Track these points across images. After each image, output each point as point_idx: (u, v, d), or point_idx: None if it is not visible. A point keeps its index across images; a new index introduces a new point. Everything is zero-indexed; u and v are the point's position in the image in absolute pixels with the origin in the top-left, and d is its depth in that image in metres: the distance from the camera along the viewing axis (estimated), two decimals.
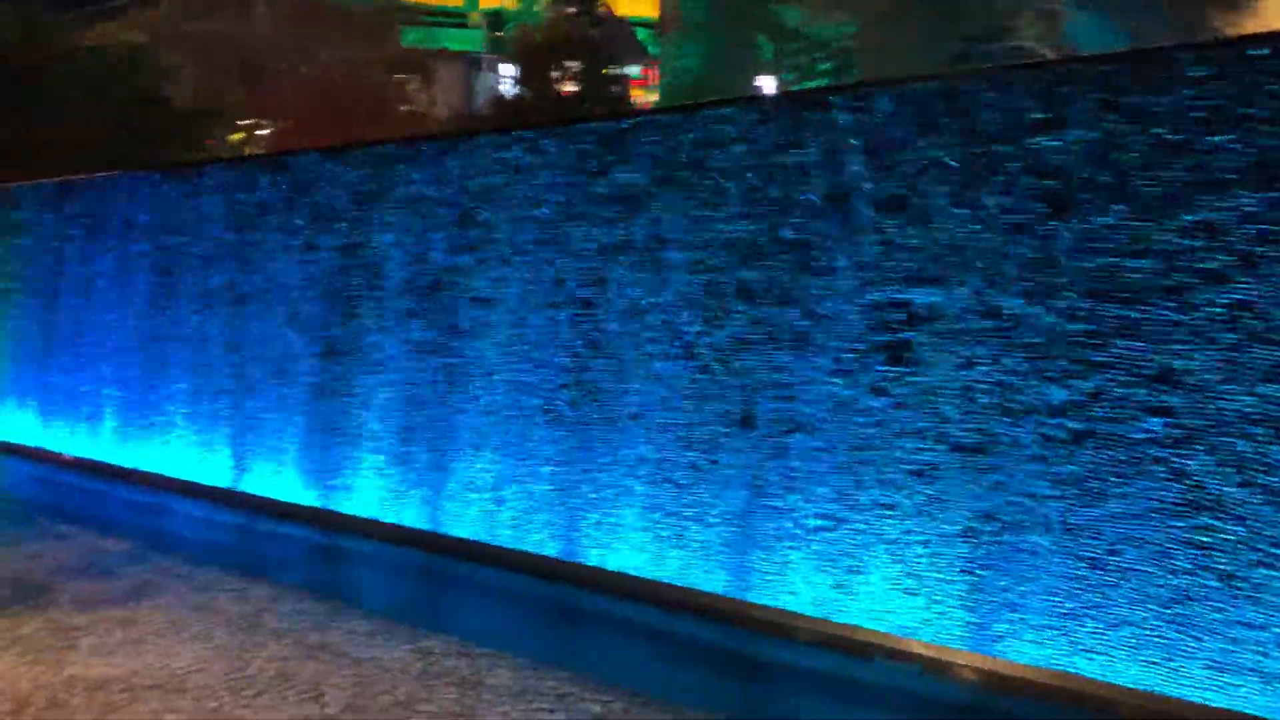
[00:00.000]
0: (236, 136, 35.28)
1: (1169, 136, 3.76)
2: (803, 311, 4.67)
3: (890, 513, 4.38)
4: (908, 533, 4.33)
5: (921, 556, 4.29)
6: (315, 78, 36.04)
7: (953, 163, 4.25)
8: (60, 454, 9.03)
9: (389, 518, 6.41)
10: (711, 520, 4.94)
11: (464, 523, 6.02)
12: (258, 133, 36.92)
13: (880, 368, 4.43)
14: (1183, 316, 3.73)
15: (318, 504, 6.87)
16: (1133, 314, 3.82)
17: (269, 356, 7.27)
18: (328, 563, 6.08)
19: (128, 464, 8.37)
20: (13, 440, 9.64)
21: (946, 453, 4.23)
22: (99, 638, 4.67)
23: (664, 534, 5.12)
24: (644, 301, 5.25)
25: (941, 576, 4.24)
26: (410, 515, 6.30)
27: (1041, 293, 4.02)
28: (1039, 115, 4.05)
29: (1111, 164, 3.88)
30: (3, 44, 23.85)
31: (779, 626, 4.67)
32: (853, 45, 19.01)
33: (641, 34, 44.08)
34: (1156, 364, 3.77)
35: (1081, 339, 3.93)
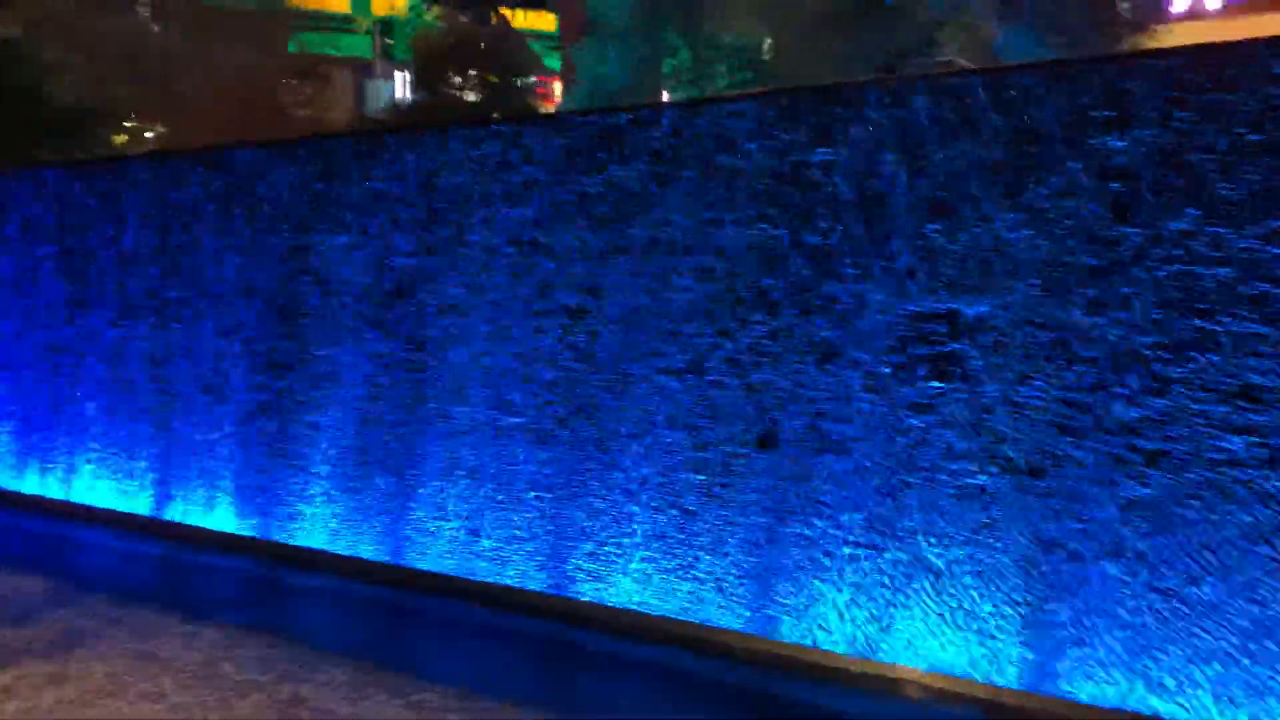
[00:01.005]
0: (120, 139, 33.60)
1: (1251, 136, 3.51)
2: (831, 320, 4.30)
3: (936, 540, 4.04)
4: (955, 562, 3.99)
5: (972, 588, 3.95)
6: (205, 80, 34.61)
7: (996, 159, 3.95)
8: None
9: (342, 549, 5.82)
10: (728, 549, 4.53)
11: (432, 555, 5.47)
12: (146, 135, 35.26)
13: (924, 383, 4.09)
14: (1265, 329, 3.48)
15: (257, 534, 6.23)
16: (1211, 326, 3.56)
17: (200, 371, 6.58)
18: (278, 600, 5.45)
19: (29, 491, 7.53)
20: None
21: (1000, 475, 3.91)
22: (25, 700, 4.00)
23: (669, 565, 4.69)
24: (645, 309, 4.82)
25: (995, 609, 3.91)
26: (368, 546, 5.72)
27: (1107, 302, 3.74)
28: (1102, 113, 3.77)
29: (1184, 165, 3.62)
30: None
31: (810, 666, 4.28)
32: (771, 57, 18.91)
33: (533, 45, 43.97)
34: (1238, 379, 3.51)
35: (1152, 351, 3.66)
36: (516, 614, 5.03)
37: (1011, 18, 15.09)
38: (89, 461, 7.20)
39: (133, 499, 6.89)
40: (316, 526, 5.93)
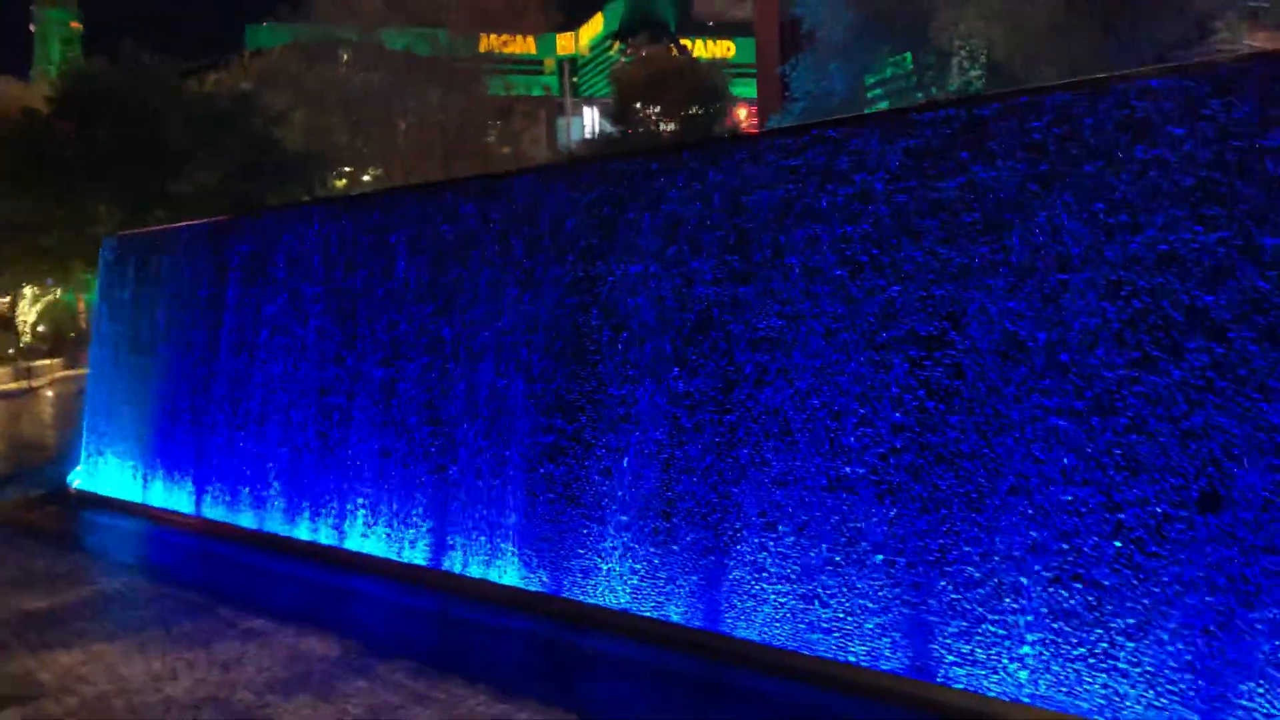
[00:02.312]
0: (341, 183, 35.19)
1: None
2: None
3: None
4: None
5: None
6: (417, 122, 35.94)
7: None
8: (215, 521, 8.08)
9: (647, 610, 5.22)
10: (1162, 635, 3.63)
11: (757, 623, 4.79)
12: (364, 178, 36.84)
13: None
14: None
15: (545, 589, 5.72)
16: None
17: (478, 413, 6.18)
18: (586, 672, 4.91)
19: (302, 537, 7.35)
20: (159, 505, 8.75)
21: None
22: None
23: (1075, 651, 3.83)
24: (1026, 337, 4.00)
25: None
26: (677, 609, 5.09)
27: None
28: None
29: None
30: (118, 91, 23.97)
31: None
32: (1009, 53, 17.59)
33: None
34: None
35: None
36: (866, 698, 4.27)
37: None
38: (360, 508, 6.92)
39: (408, 548, 6.55)
40: (615, 584, 5.36)
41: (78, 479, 10.44)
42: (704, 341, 5.07)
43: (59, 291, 32.35)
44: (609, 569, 5.39)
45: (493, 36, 43.80)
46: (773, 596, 4.73)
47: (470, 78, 37.31)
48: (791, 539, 4.68)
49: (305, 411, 7.43)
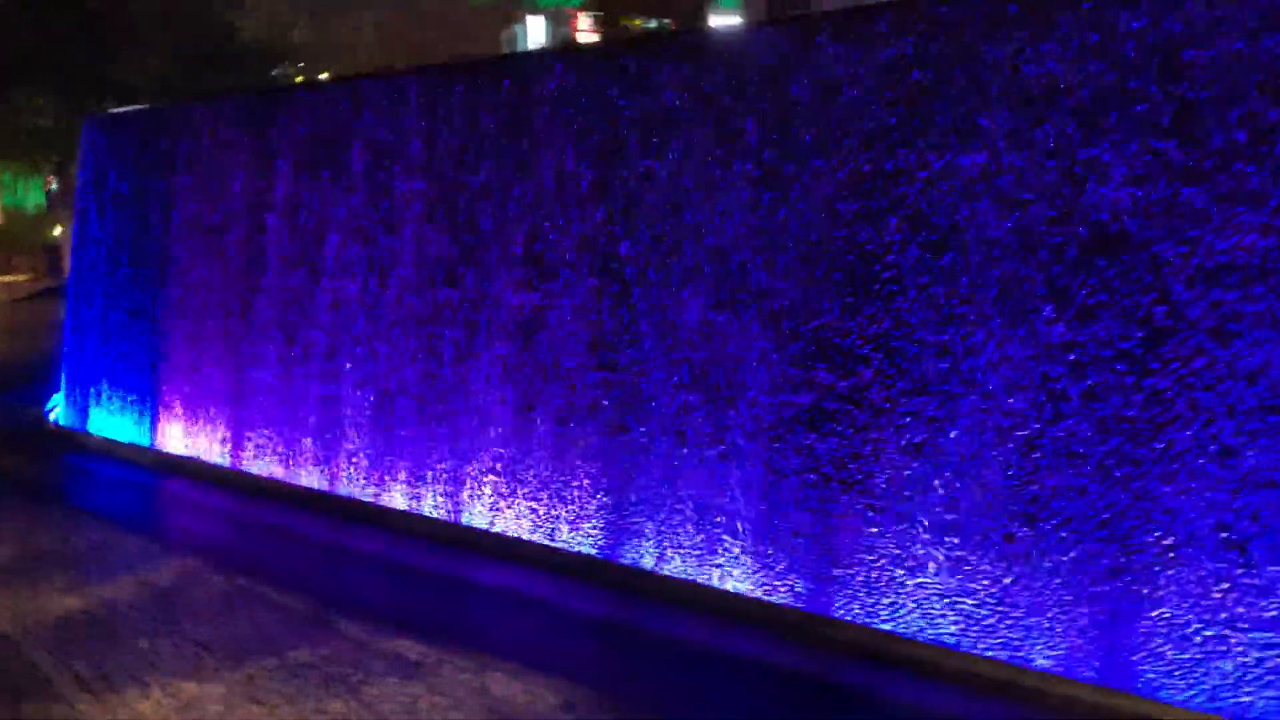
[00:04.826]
0: (298, 79, 32.51)
1: None
2: None
3: None
4: None
5: None
6: (372, 22, 33.40)
7: None
8: (259, 477, 6.36)
9: (998, 653, 3.69)
10: None
11: (1200, 683, 3.28)
12: (321, 77, 34.07)
13: None
14: None
15: (799, 604, 4.16)
16: None
17: (678, 357, 4.53)
18: None
19: (391, 504, 5.68)
20: (177, 452, 6.98)
21: None
22: None
23: None
24: None
25: None
26: (1044, 655, 3.57)
27: None
28: None
29: None
30: None
31: None
32: None
33: None
34: None
35: None
36: None
37: None
38: (488, 473, 5.27)
39: (565, 530, 4.93)
40: (930, 607, 3.81)
41: (56, 413, 8.57)
42: (1107, 269, 3.47)
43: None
44: (918, 586, 3.84)
45: None
46: (1236, 648, 3.23)
47: None
48: (1276, 568, 3.16)
49: (400, 345, 5.70)
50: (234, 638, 4.05)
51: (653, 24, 37.84)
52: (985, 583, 3.69)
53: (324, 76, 34.21)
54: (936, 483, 3.81)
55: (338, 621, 4.20)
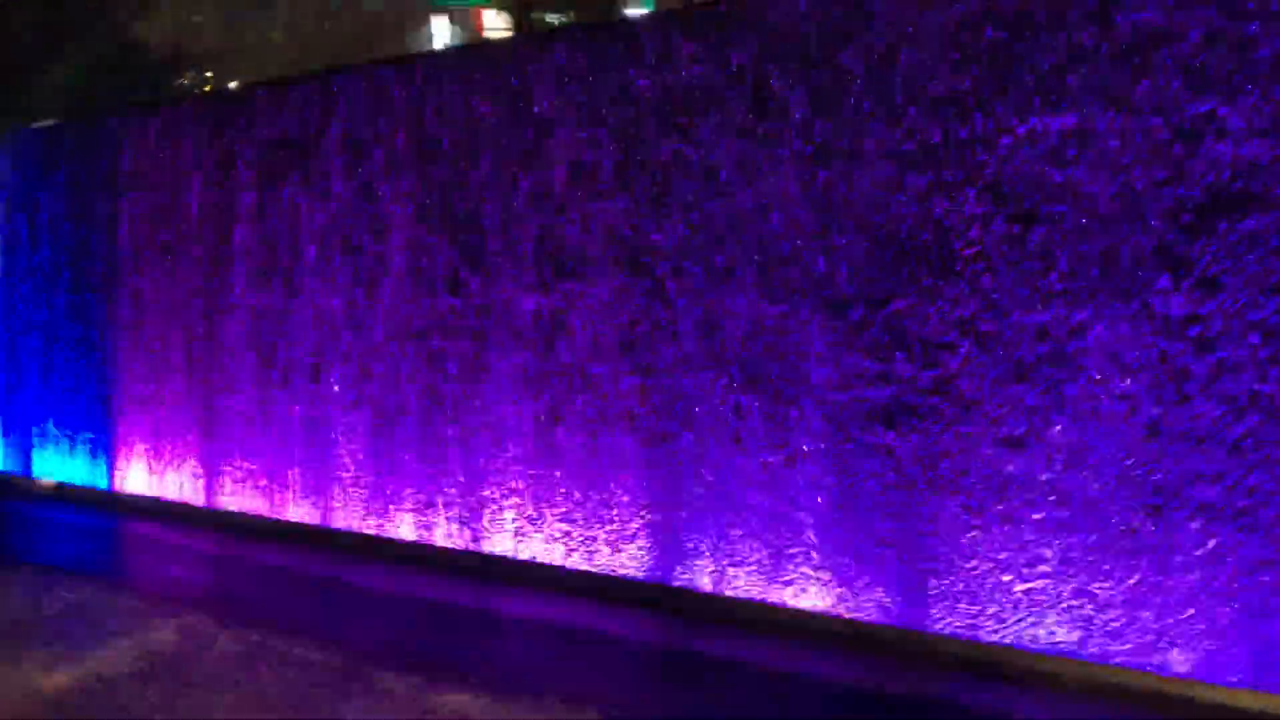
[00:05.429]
0: (207, 89, 31.32)
1: None
2: None
3: None
4: None
5: None
6: (285, 26, 32.36)
7: None
8: (240, 514, 5.81)
9: (1107, 656, 3.38)
10: None
11: None
12: (231, 85, 32.88)
13: None
14: None
15: (889, 620, 3.81)
16: None
17: (731, 355, 4.14)
18: None
19: (398, 534, 5.19)
20: (140, 492, 6.37)
21: None
22: None
23: None
24: None
25: None
26: (1180, 659, 3.27)
27: None
28: None
29: None
30: None
31: None
32: None
33: None
34: None
35: None
36: None
37: None
38: (509, 494, 4.82)
39: (605, 552, 4.51)
40: (1043, 616, 3.48)
41: None
42: (1229, 233, 3.17)
43: None
44: (1029, 593, 3.51)
45: None
46: None
47: None
48: None
49: (396, 361, 5.21)
50: (266, 704, 3.54)
51: (559, 19, 37.39)
52: (1107, 584, 3.38)
53: (234, 85, 33.18)
54: (1044, 477, 3.49)
55: (379, 676, 3.72)
